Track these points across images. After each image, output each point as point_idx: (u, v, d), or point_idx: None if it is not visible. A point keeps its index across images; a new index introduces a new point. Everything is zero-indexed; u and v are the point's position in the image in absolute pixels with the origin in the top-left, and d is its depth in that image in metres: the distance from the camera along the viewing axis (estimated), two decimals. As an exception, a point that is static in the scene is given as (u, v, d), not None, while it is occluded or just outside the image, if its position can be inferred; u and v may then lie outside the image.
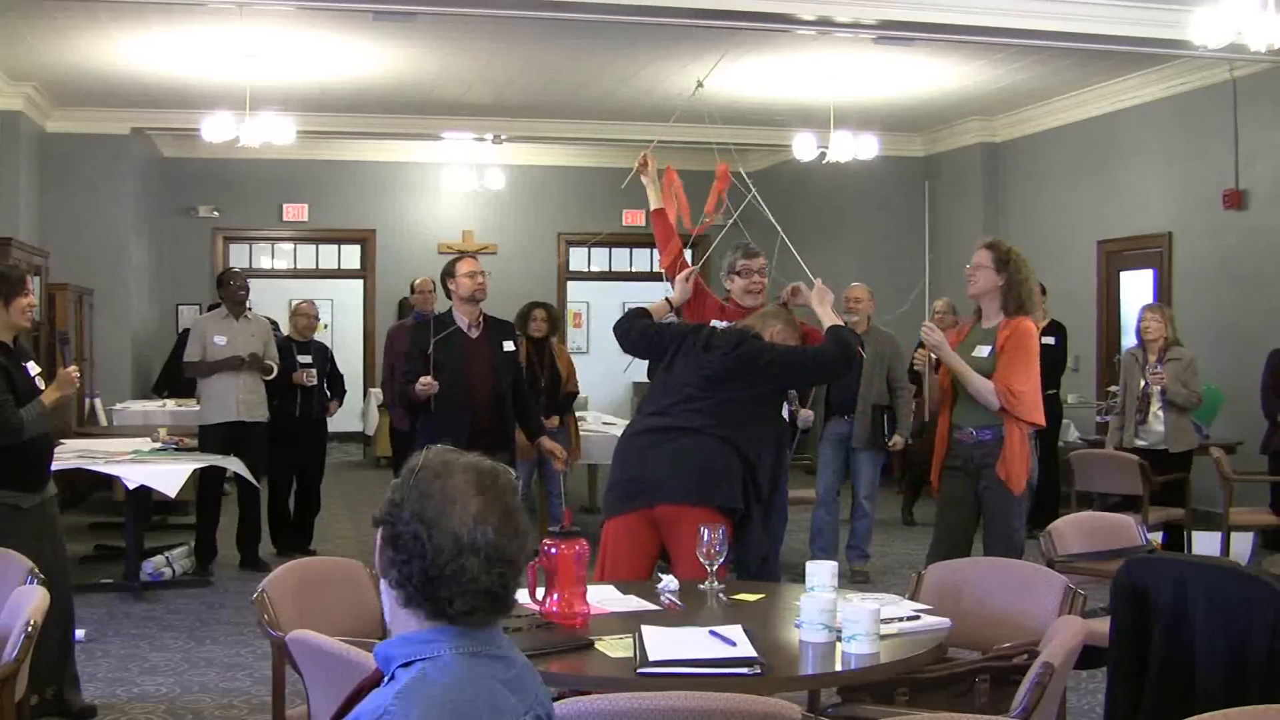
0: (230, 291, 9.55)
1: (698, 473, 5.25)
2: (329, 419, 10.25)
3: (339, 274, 17.95)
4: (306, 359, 9.83)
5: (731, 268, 6.20)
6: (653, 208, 6.52)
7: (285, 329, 10.60)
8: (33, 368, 5.67)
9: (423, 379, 6.86)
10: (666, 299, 6.09)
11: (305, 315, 10.05)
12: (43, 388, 5.65)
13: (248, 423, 9.31)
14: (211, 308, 10.98)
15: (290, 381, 9.65)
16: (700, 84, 7.53)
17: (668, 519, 5.20)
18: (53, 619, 4.41)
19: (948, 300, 11.22)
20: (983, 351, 5.93)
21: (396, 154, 17.03)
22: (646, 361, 6.24)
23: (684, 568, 4.87)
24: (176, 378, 14.17)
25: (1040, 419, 5.93)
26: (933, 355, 6.21)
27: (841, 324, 5.72)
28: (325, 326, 18.07)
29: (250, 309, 9.72)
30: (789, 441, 6.89)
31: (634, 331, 5.82)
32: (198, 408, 9.83)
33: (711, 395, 5.38)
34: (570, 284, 18.27)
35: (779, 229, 6.33)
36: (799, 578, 4.29)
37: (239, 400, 9.27)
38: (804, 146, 12.37)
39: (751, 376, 5.42)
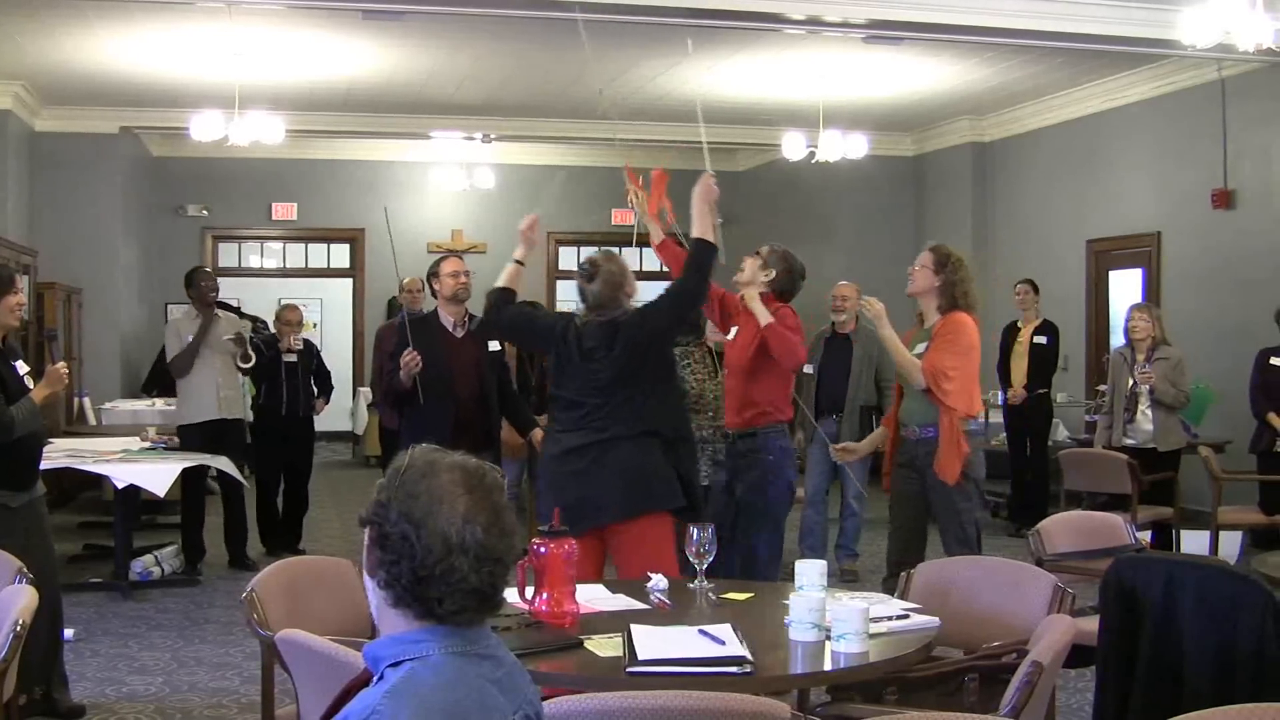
0: (200, 292, 9.37)
1: (631, 484, 5.23)
2: (316, 417, 10.23)
3: (328, 273, 17.92)
4: (292, 359, 9.82)
5: None
6: (654, 242, 6.35)
7: (274, 327, 10.60)
8: (21, 366, 5.67)
9: (405, 354, 6.78)
10: (516, 261, 5.86)
11: (288, 323, 10.03)
12: (32, 386, 5.65)
13: (227, 420, 9.27)
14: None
15: (277, 365, 9.61)
16: (600, 92, 7.31)
17: (615, 535, 5.18)
18: (41, 618, 4.40)
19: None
20: (920, 349, 6.16)
21: (386, 153, 17.01)
22: None
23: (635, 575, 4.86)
24: (165, 377, 14.17)
25: (971, 408, 6.10)
26: None
27: (707, 235, 5.49)
28: (314, 326, 18.07)
29: (239, 307, 9.67)
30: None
31: (504, 319, 5.72)
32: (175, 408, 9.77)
33: (612, 399, 5.32)
34: (560, 283, 18.24)
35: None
36: (788, 576, 4.30)
37: (219, 398, 9.22)
38: (793, 146, 12.39)
39: (640, 361, 5.36)
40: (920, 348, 6.17)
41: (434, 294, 7.26)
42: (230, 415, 9.30)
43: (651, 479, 5.27)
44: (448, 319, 7.08)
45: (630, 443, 5.26)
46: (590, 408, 5.34)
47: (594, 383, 5.35)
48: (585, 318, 5.49)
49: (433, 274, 7.20)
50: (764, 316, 6.04)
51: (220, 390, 9.22)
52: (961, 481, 6.03)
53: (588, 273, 5.47)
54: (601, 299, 5.44)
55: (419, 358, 6.77)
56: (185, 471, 8.84)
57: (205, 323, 9.19)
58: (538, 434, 7.36)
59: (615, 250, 5.91)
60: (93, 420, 12.71)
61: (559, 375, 5.51)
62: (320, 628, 3.68)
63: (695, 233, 5.51)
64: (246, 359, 9.32)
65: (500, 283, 5.78)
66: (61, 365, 5.85)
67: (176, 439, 9.26)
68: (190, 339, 9.21)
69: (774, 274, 6.24)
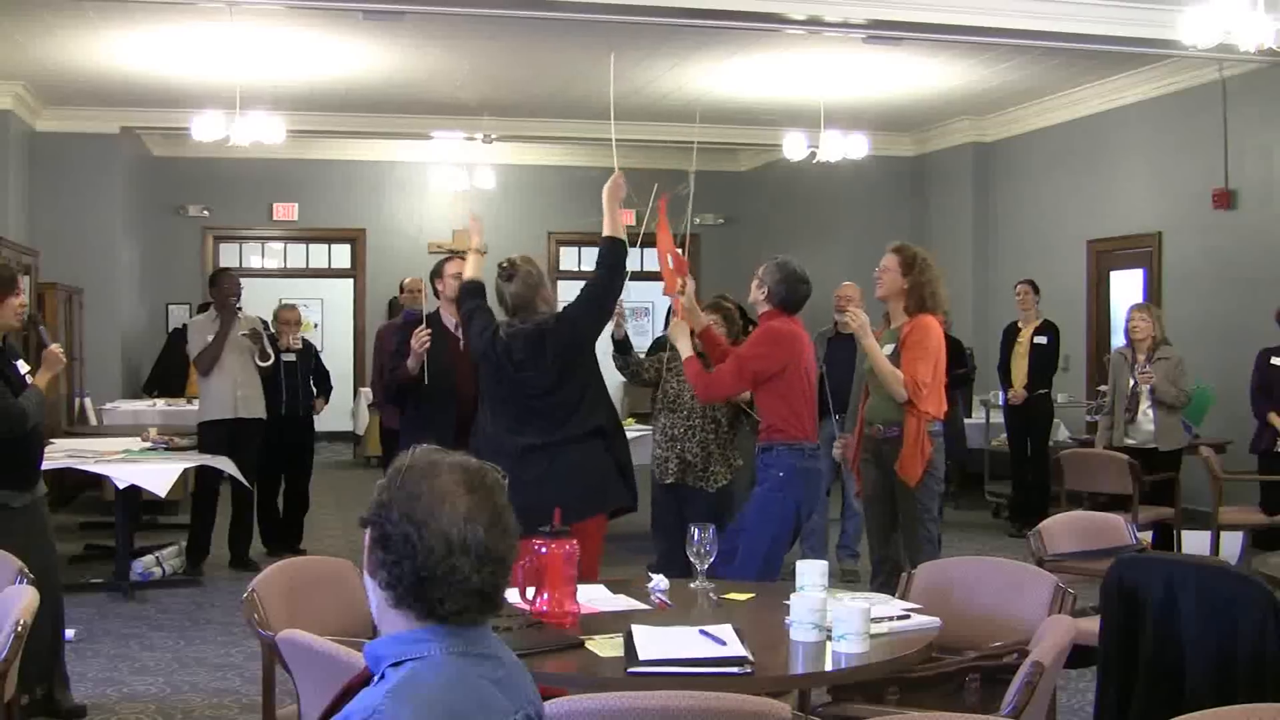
0: (222, 293, 9.46)
1: (588, 488, 5.45)
2: (317, 417, 10.24)
3: (329, 273, 17.92)
4: (291, 358, 9.83)
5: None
6: (698, 330, 6.42)
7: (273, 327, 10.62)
8: (22, 366, 5.66)
9: (417, 331, 6.74)
10: (479, 251, 6.19)
11: (286, 322, 10.05)
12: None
13: (245, 419, 9.29)
14: (203, 308, 10.96)
15: (276, 365, 9.62)
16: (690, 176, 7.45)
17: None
18: (43, 619, 4.40)
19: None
20: (889, 349, 6.26)
21: (386, 153, 17.01)
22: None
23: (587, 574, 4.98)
24: (167, 377, 14.18)
25: (939, 410, 6.23)
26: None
27: (617, 233, 5.71)
28: (315, 326, 18.07)
29: (241, 309, 9.65)
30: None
31: (469, 308, 5.93)
32: (193, 406, 9.80)
33: (550, 402, 5.54)
34: (561, 284, 18.21)
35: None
36: (789, 576, 4.30)
37: (236, 397, 9.25)
38: (794, 146, 12.38)
39: (573, 365, 5.59)
40: (888, 349, 6.27)
41: (436, 294, 7.23)
42: (248, 415, 9.31)
43: (605, 480, 5.52)
44: (450, 319, 7.05)
45: (578, 445, 5.49)
46: (531, 410, 5.55)
47: (529, 390, 5.55)
48: (510, 328, 5.64)
49: (436, 274, 7.17)
50: (684, 351, 6.15)
51: (237, 389, 9.25)
52: (924, 480, 6.12)
53: (506, 273, 5.65)
54: (519, 301, 5.63)
55: (430, 332, 6.72)
56: (198, 470, 8.87)
57: (226, 323, 9.23)
58: None
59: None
60: (93, 420, 12.71)
61: (492, 382, 5.72)
62: (321, 628, 3.68)
63: (606, 231, 5.68)
64: (265, 356, 9.34)
65: (470, 274, 6.02)
66: (56, 347, 5.85)
67: (177, 439, 9.26)
68: (212, 339, 9.25)
69: (767, 289, 6.18)
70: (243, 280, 9.97)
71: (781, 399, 6.01)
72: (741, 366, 5.97)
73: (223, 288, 9.50)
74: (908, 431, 6.09)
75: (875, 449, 6.31)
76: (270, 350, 9.40)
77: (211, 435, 9.16)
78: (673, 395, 7.21)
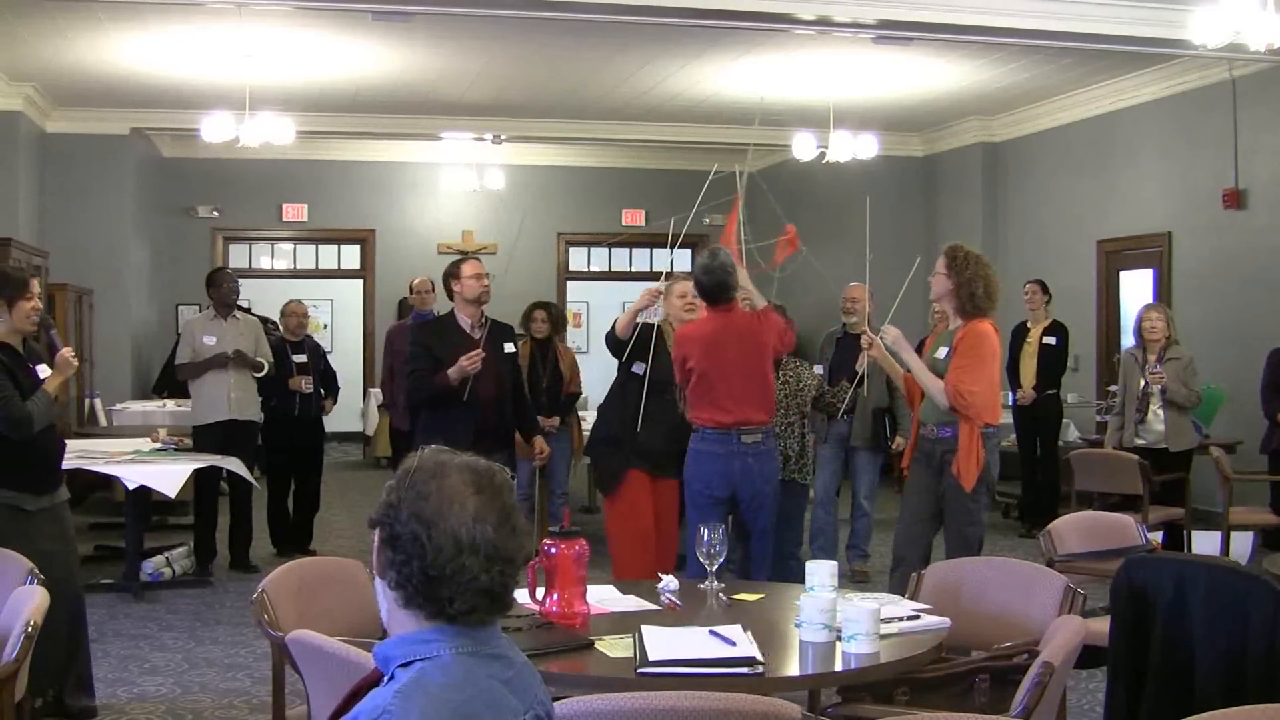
0: (220, 293, 9.50)
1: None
2: (326, 417, 10.25)
3: (338, 274, 17.92)
4: (301, 358, 9.84)
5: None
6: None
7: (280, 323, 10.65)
8: (43, 371, 5.62)
9: (471, 355, 6.73)
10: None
11: (294, 315, 10.08)
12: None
13: (240, 421, 9.30)
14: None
15: (288, 385, 9.67)
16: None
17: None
18: (59, 622, 4.40)
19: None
20: (941, 353, 6.28)
21: (396, 154, 17.02)
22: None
23: None
24: (176, 378, 14.20)
25: (993, 418, 6.27)
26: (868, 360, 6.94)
27: (617, 328, 6.89)
28: (325, 327, 18.08)
29: (249, 308, 9.67)
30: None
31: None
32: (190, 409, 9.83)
33: None
34: (570, 284, 18.25)
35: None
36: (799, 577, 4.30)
37: (231, 399, 9.25)
38: (803, 146, 12.37)
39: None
40: (941, 351, 6.26)
41: (450, 296, 7.20)
42: (243, 416, 9.32)
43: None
44: (465, 320, 7.02)
45: None
46: None
47: None
48: None
49: (453, 275, 7.10)
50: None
51: (231, 391, 9.26)
52: (975, 486, 6.06)
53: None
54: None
55: (482, 355, 6.71)
56: (199, 472, 8.87)
57: (219, 358, 9.24)
58: (539, 440, 7.31)
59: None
60: (104, 421, 12.73)
61: None
62: (330, 628, 3.69)
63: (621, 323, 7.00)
64: (258, 368, 9.35)
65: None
66: (68, 350, 5.82)
67: (186, 440, 9.27)
68: (204, 339, 9.28)
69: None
70: (253, 281, 9.98)
71: (690, 393, 6.52)
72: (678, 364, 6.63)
73: (221, 287, 9.54)
74: (961, 437, 6.06)
75: (927, 449, 6.30)
76: (262, 361, 9.40)
77: (207, 438, 9.16)
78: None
